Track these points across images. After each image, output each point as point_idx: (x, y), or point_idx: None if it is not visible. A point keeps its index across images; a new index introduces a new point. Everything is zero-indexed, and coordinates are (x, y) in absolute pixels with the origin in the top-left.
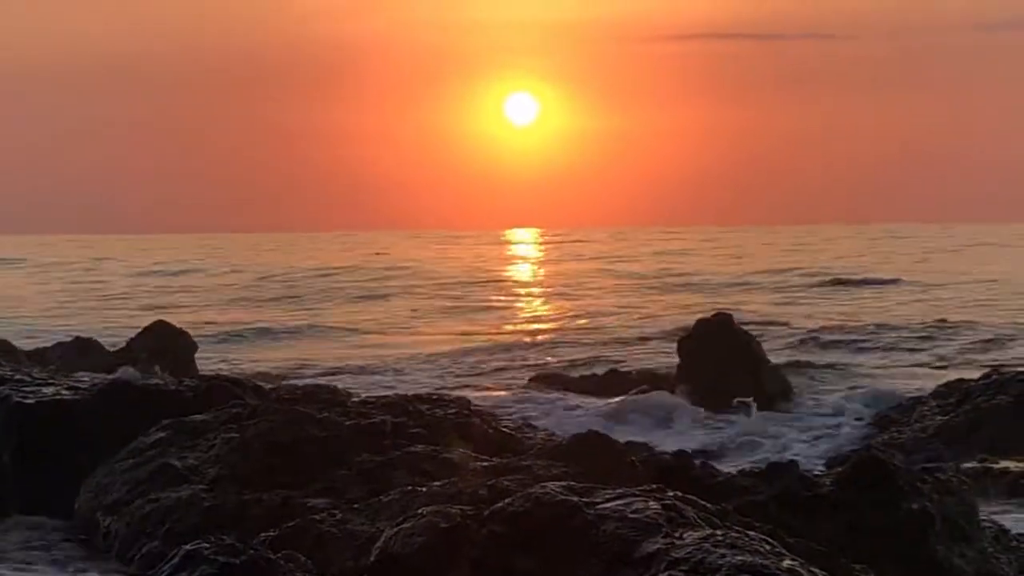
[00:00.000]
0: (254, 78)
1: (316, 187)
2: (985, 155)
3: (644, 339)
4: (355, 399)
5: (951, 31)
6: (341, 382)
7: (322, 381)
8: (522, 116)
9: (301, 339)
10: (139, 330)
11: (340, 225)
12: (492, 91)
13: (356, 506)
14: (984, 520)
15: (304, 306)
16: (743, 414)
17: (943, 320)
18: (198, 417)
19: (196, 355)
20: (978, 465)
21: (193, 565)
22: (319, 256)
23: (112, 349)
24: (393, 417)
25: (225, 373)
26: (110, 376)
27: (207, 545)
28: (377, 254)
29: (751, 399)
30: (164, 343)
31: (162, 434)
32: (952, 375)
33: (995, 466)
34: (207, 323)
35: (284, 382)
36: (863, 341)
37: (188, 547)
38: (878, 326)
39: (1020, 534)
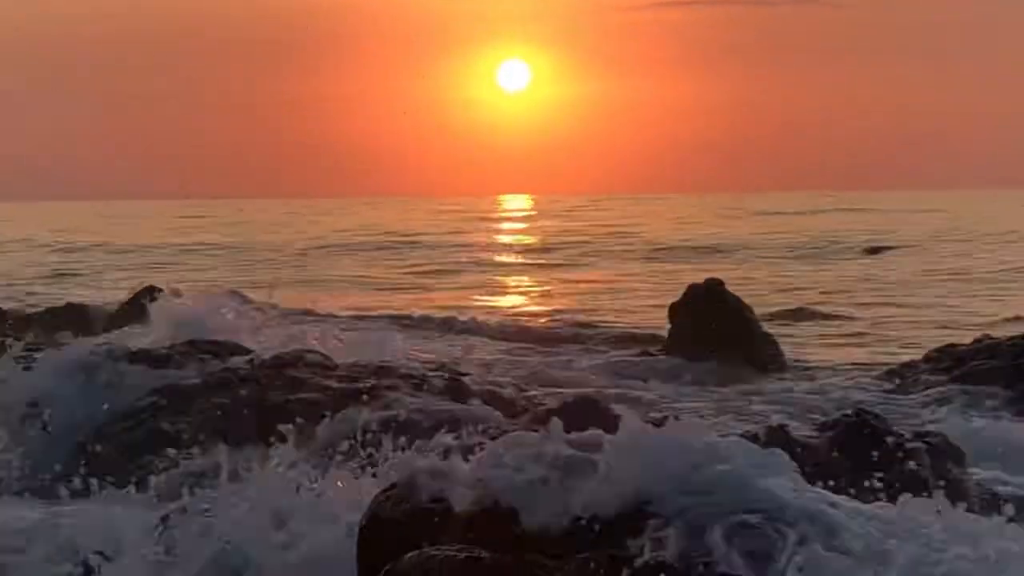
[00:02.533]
0: (243, 46)
1: (309, 154)
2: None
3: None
4: (344, 363)
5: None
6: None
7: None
8: (514, 82)
9: None
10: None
11: (334, 193)
12: (484, 58)
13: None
14: (979, 483)
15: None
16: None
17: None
18: (188, 382)
19: None
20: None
21: None
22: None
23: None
24: (382, 380)
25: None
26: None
27: None
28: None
29: None
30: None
31: (152, 399)
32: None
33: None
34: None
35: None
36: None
37: None
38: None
39: (1010, 497)
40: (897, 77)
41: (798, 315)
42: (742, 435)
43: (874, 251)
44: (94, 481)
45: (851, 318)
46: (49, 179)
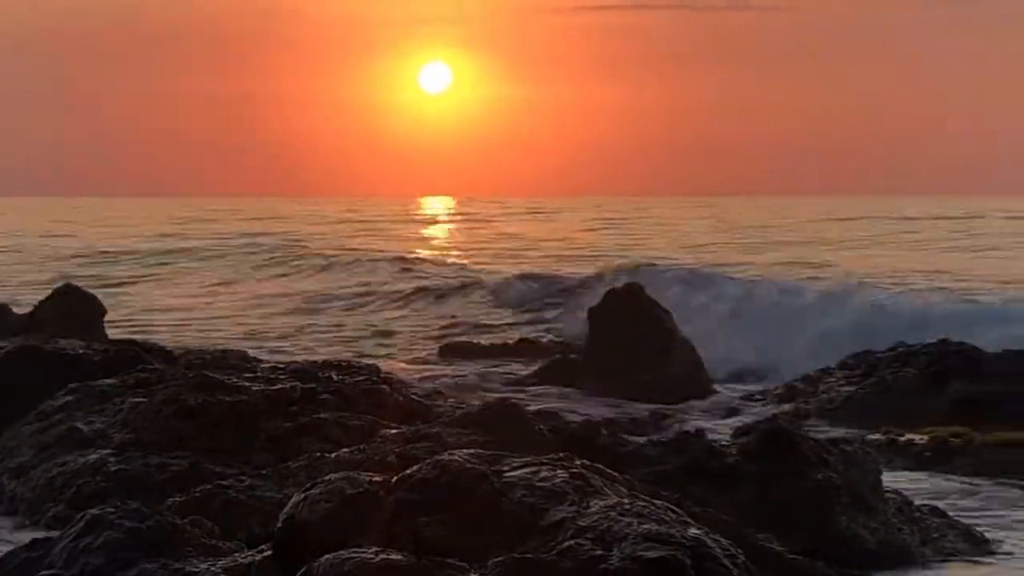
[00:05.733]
0: (167, 45)
1: (232, 154)
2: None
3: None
4: (265, 365)
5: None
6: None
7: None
8: (436, 85)
9: None
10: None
11: (255, 191)
12: (407, 60)
13: (264, 472)
14: (888, 491)
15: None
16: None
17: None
18: (106, 381)
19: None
20: (883, 437)
21: (98, 529)
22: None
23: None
24: (302, 383)
25: (134, 338)
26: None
27: (112, 510)
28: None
29: None
30: (72, 308)
31: (69, 398)
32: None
33: (900, 438)
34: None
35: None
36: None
37: (93, 511)
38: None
39: (923, 505)
40: (821, 83)
41: None
42: (658, 440)
43: None
44: None
45: None
46: None
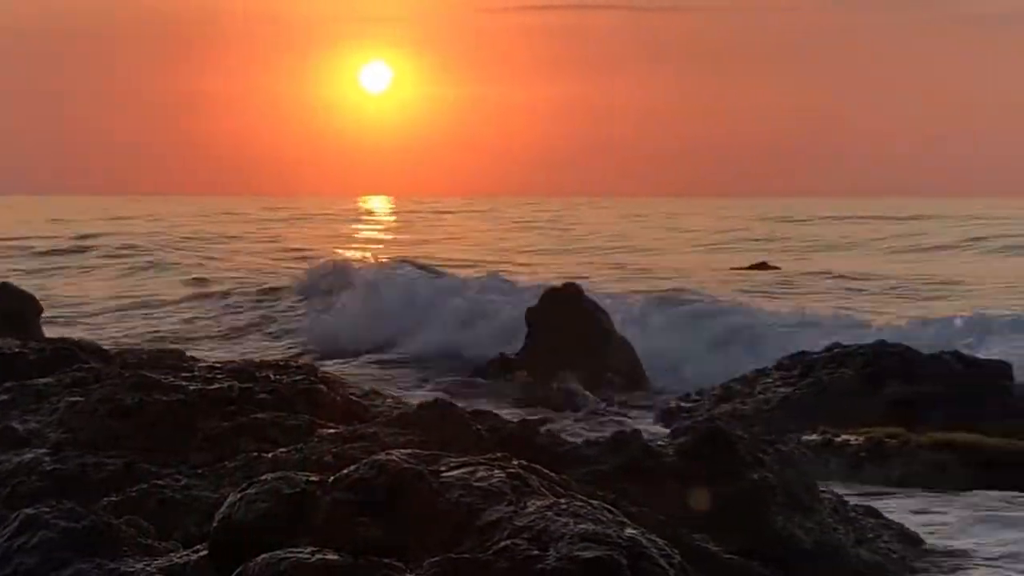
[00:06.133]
0: (105, 43)
1: (170, 152)
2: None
3: None
4: (202, 364)
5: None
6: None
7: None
8: (377, 84)
9: None
10: None
11: (194, 190)
12: (347, 59)
13: (201, 472)
14: (824, 491)
15: None
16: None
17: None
18: (41, 380)
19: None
20: (819, 437)
21: (33, 529)
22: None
23: None
24: (240, 383)
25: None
26: None
27: (47, 509)
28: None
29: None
30: (8, 306)
31: (4, 397)
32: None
33: (836, 439)
34: None
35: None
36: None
37: (28, 511)
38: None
39: (858, 505)
40: (756, 84)
41: None
42: (595, 441)
43: None
44: None
45: None
46: None
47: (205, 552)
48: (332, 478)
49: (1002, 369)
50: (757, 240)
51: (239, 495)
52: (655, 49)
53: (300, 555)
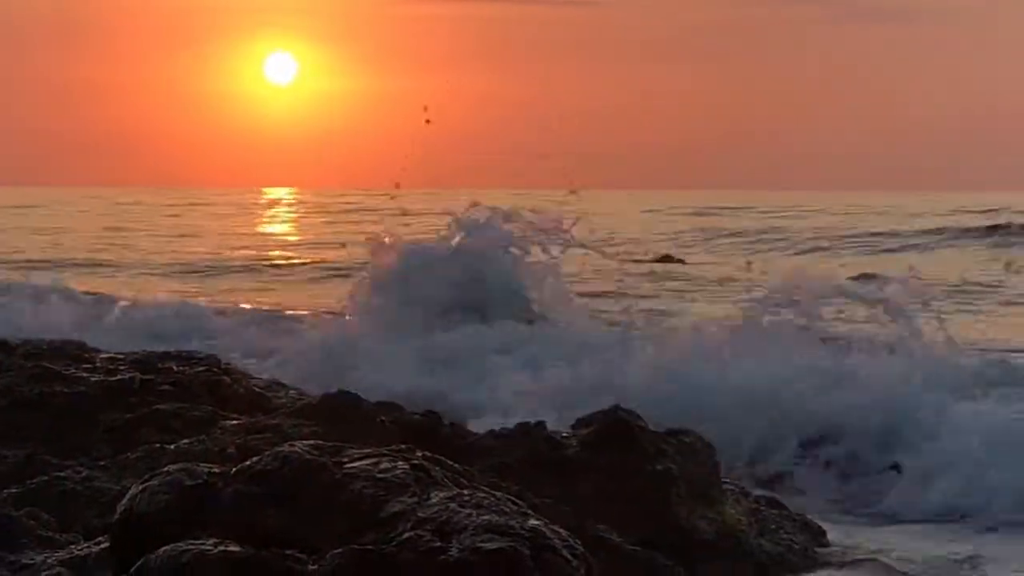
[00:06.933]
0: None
1: (68, 142)
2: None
3: None
4: (103, 355)
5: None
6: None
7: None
8: (282, 76)
9: None
10: None
11: (92, 181)
12: (251, 50)
13: (102, 463)
14: (726, 482)
15: None
16: None
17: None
18: None
19: None
20: None
21: None
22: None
23: None
24: (141, 374)
25: None
26: None
27: None
28: None
29: None
30: None
31: None
32: None
33: None
34: None
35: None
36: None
37: None
38: None
39: (761, 496)
40: (661, 79)
41: None
42: (499, 432)
43: None
44: None
45: None
46: None
47: (106, 544)
48: (234, 469)
49: None
50: None
51: (141, 487)
52: (564, 41)
53: (202, 547)
